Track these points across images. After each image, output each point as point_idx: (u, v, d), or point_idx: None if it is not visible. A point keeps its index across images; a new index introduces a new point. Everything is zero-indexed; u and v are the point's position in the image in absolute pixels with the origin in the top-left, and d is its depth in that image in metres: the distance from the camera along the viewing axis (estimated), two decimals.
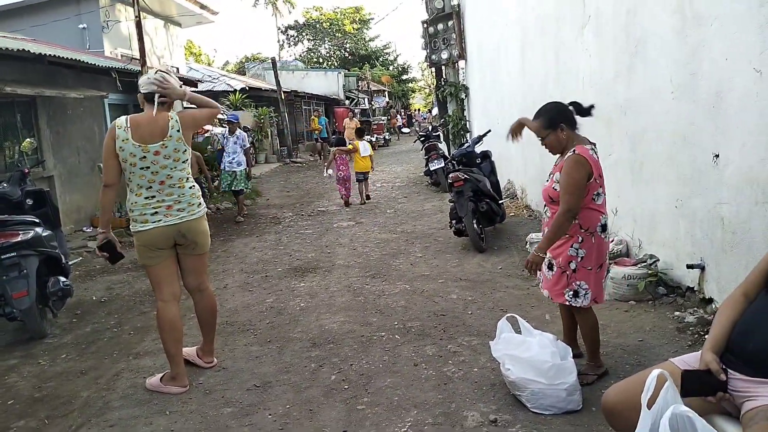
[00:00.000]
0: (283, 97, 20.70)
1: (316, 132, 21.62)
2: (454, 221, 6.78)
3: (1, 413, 3.55)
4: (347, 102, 30.72)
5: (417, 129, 25.47)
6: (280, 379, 3.71)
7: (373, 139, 24.26)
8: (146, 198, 3.54)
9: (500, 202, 7.17)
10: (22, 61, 7.64)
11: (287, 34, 48.86)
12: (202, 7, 17.30)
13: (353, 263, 6.52)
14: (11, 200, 5.17)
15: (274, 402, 3.39)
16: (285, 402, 3.38)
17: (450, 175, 6.80)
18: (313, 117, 22.45)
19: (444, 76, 13.33)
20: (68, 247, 6.53)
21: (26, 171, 5.71)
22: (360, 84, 34.02)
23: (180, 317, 3.72)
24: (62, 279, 4.90)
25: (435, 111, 14.39)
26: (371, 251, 7.04)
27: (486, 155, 7.63)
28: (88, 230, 8.82)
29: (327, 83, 29.99)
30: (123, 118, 3.54)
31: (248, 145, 10.12)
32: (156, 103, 3.54)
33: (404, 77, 51.45)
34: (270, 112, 20.24)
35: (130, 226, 3.59)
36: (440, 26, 13.04)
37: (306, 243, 7.82)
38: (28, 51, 7.01)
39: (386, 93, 40.48)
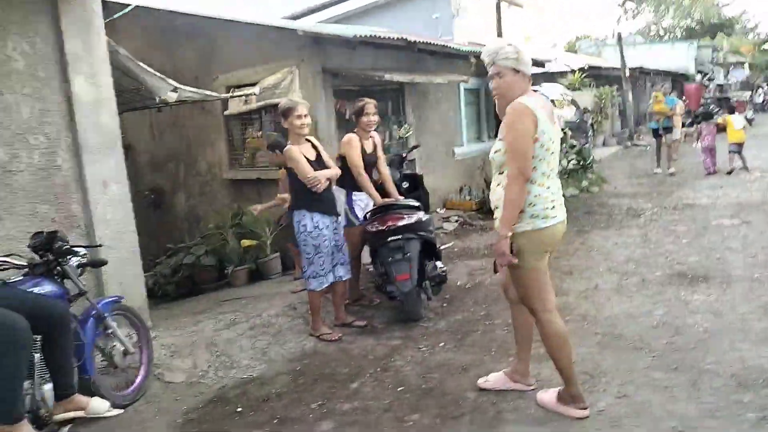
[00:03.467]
0: (627, 74, 18.86)
1: (657, 120, 12.31)
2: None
3: (395, 401, 3.52)
4: (698, 77, 26.73)
5: None
6: (709, 427, 2.87)
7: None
8: (548, 189, 3.01)
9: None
10: (393, 50, 8.10)
11: (625, 7, 45.15)
12: None
13: (761, 276, 5.16)
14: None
15: None
16: None
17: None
18: (654, 94, 13.05)
19: None
20: None
21: (404, 155, 5.90)
22: (715, 56, 29.28)
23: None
24: (439, 264, 4.87)
25: None
26: None
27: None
28: (441, 212, 9.07)
29: (675, 57, 26.53)
30: (524, 98, 3.01)
31: None
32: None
33: (767, 47, 42.96)
34: (612, 92, 18.69)
35: (523, 223, 2.95)
36: None
37: (682, 243, 6.61)
38: (405, 39, 7.32)
39: (746, 65, 34.19)
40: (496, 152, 3.06)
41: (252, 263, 7.02)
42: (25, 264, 3.20)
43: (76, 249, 3.33)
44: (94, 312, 3.45)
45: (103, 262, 3.53)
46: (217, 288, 7.07)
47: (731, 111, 12.31)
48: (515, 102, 2.92)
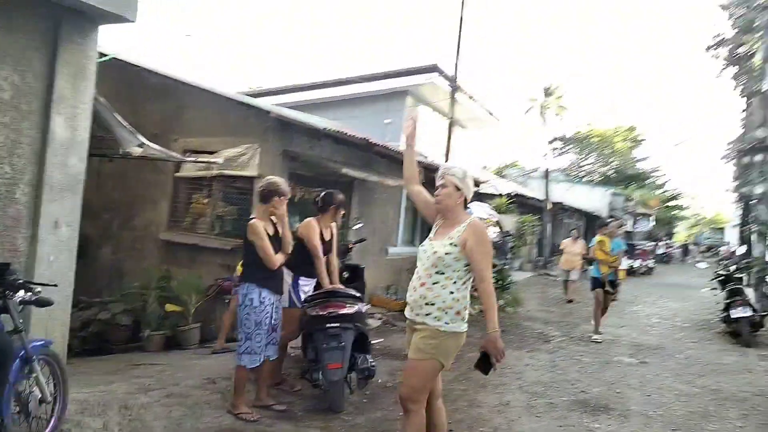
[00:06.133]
0: (549, 207, 20.36)
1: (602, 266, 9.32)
2: None
3: None
4: (609, 221, 29.10)
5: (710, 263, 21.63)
6: None
7: (635, 265, 22.44)
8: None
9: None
10: (350, 147, 8.57)
11: (552, 146, 49.20)
12: (489, 113, 18.17)
13: (653, 414, 5.61)
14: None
15: None
16: None
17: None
18: (598, 238, 9.44)
19: (754, 213, 11.70)
20: None
21: (350, 246, 6.16)
22: (626, 204, 32.21)
23: None
24: (369, 358, 5.00)
25: (741, 250, 12.52)
26: (671, 403, 6.03)
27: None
28: (367, 307, 9.24)
29: (591, 199, 28.97)
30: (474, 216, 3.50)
31: None
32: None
33: (672, 204, 47.72)
34: (533, 220, 20.03)
35: (453, 325, 3.30)
36: (758, 157, 11.61)
37: (586, 374, 7.07)
38: (366, 140, 7.81)
39: (651, 218, 37.65)
40: (446, 254, 3.35)
41: (169, 330, 6.86)
42: None
43: (31, 285, 3.28)
44: (23, 353, 3.34)
45: (50, 302, 3.47)
46: (128, 350, 6.82)
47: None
48: (478, 222, 3.35)
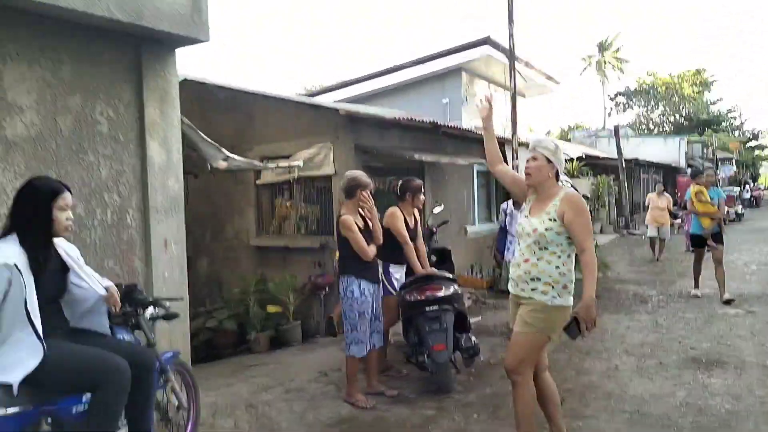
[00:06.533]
0: (624, 165, 19.68)
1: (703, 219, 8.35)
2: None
3: None
4: (689, 170, 27.81)
5: None
6: None
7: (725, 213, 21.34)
8: None
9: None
10: (417, 132, 8.61)
11: (616, 101, 47.36)
12: (548, 77, 17.69)
13: None
14: None
15: None
16: None
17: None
18: (694, 188, 8.45)
19: None
20: None
21: (434, 230, 6.22)
22: (704, 151, 30.62)
23: None
24: (473, 337, 5.06)
25: None
26: None
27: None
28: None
29: (666, 150, 27.72)
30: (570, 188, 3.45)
31: None
32: None
33: (753, 144, 44.94)
34: (608, 181, 19.44)
35: (561, 299, 3.32)
36: None
37: (692, 329, 6.86)
38: (433, 122, 7.83)
39: (733, 161, 35.62)
40: (547, 230, 3.35)
41: (273, 330, 7.16)
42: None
43: (162, 301, 3.54)
44: (158, 365, 3.61)
45: (176, 316, 3.73)
46: (237, 353, 7.17)
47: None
48: (573, 192, 3.33)
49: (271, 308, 6.98)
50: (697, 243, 8.51)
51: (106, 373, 2.68)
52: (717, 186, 8.96)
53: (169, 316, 3.67)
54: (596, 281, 3.25)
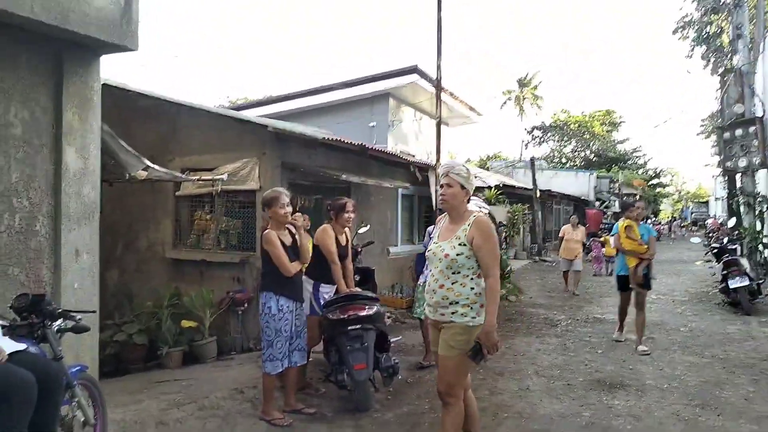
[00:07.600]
0: (538, 195, 20.62)
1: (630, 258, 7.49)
2: None
3: None
4: (597, 204, 29.55)
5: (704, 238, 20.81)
6: None
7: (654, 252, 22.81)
8: None
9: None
10: (344, 153, 8.68)
11: (532, 134, 49.70)
12: (471, 108, 18.33)
13: (668, 387, 5.79)
14: None
15: None
16: None
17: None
18: (622, 222, 7.65)
19: (740, 185, 11.98)
20: None
21: (359, 249, 6.26)
22: (611, 186, 32.66)
23: None
24: (392, 356, 5.11)
25: (731, 222, 12.76)
26: (684, 375, 6.21)
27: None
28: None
29: (577, 184, 29.34)
30: (479, 213, 3.61)
31: None
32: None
33: (655, 182, 48.43)
34: (523, 209, 20.29)
35: (480, 318, 3.40)
36: (738, 132, 11.90)
37: (597, 353, 7.25)
38: (362, 145, 7.93)
39: (638, 197, 38.12)
40: (458, 255, 3.43)
41: (186, 345, 6.93)
42: (5, 324, 3.18)
43: (70, 313, 3.35)
44: (64, 379, 3.41)
45: (87, 329, 3.54)
46: (147, 369, 6.87)
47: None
48: (483, 218, 3.46)
49: (186, 323, 6.75)
50: (623, 286, 7.73)
51: (11, 386, 2.52)
52: (646, 221, 8.41)
53: (79, 329, 3.49)
54: (501, 306, 3.37)
